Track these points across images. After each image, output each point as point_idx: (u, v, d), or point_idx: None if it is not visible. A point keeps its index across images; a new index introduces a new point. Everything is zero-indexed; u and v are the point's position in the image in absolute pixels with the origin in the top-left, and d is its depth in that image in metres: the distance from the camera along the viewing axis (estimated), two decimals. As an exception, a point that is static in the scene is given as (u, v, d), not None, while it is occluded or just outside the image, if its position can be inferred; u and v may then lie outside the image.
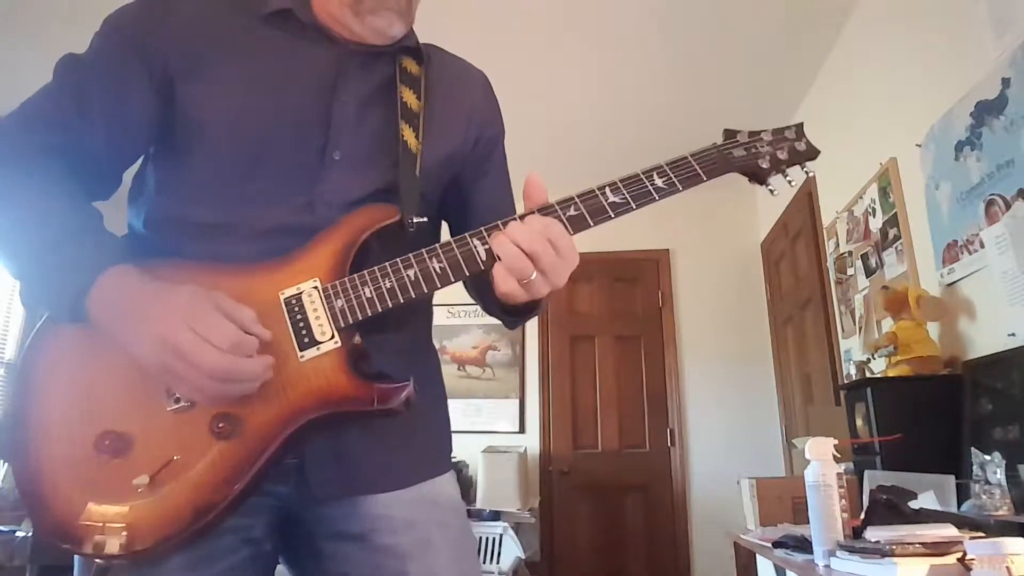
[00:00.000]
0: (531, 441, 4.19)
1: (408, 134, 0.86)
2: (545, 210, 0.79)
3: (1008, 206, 1.76)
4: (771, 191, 0.90)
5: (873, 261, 2.61)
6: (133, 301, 0.70)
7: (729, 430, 4.04)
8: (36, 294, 0.74)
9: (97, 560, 0.70)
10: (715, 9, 2.77)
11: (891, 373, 2.12)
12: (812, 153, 0.90)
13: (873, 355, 2.36)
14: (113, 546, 0.67)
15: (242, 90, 0.82)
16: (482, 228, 0.79)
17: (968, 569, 1.05)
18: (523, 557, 3.43)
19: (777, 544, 1.63)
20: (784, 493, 2.23)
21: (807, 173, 0.91)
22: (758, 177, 0.88)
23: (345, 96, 0.86)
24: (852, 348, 2.86)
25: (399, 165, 0.84)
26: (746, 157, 0.87)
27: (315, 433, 0.75)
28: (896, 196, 2.39)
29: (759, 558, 2.30)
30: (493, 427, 4.21)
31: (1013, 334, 1.72)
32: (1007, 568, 0.92)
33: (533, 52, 3.08)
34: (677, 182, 0.82)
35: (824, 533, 1.28)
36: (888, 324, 2.27)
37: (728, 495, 3.07)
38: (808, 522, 1.35)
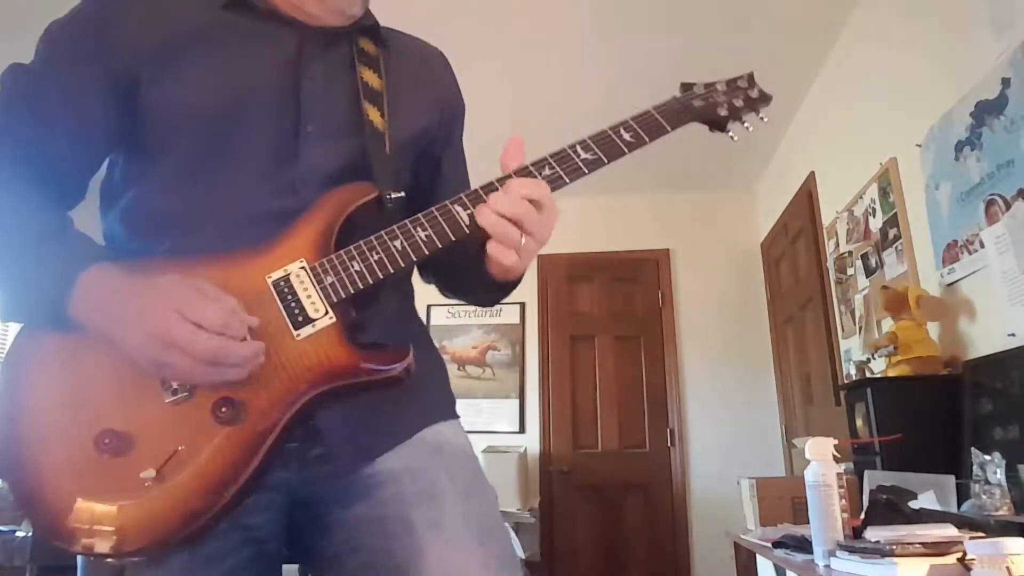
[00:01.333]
0: (531, 441, 4.20)
1: (373, 113, 0.87)
2: (521, 171, 0.81)
3: (1008, 206, 1.76)
4: (732, 137, 0.94)
5: (873, 261, 2.61)
6: (117, 298, 0.69)
7: (729, 430, 4.04)
8: (17, 302, 0.73)
9: (110, 560, 0.69)
10: (715, 10, 2.77)
11: (891, 373, 2.12)
12: (765, 99, 0.95)
13: (873, 355, 2.37)
14: (128, 543, 0.67)
15: (209, 77, 0.81)
16: (462, 195, 0.80)
17: (968, 569, 1.05)
18: (523, 557, 3.43)
19: (777, 544, 1.63)
20: (784, 493, 2.23)
21: (762, 119, 0.96)
22: (718, 124, 0.93)
23: (311, 73, 0.86)
24: (852, 348, 2.86)
25: (367, 144, 0.85)
26: (705, 107, 0.92)
27: (319, 409, 0.75)
28: (896, 196, 2.39)
29: (759, 558, 2.30)
30: (493, 427, 4.21)
31: (1013, 334, 1.72)
32: (1007, 568, 0.92)
33: (532, 50, 3.08)
34: (643, 134, 0.85)
35: (824, 533, 1.29)
36: (888, 324, 2.27)
37: (728, 495, 3.07)
38: (808, 522, 1.35)
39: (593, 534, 4.02)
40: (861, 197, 2.68)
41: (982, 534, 1.21)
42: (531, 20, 2.86)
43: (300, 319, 0.74)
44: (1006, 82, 1.77)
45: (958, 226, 2.00)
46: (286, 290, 0.75)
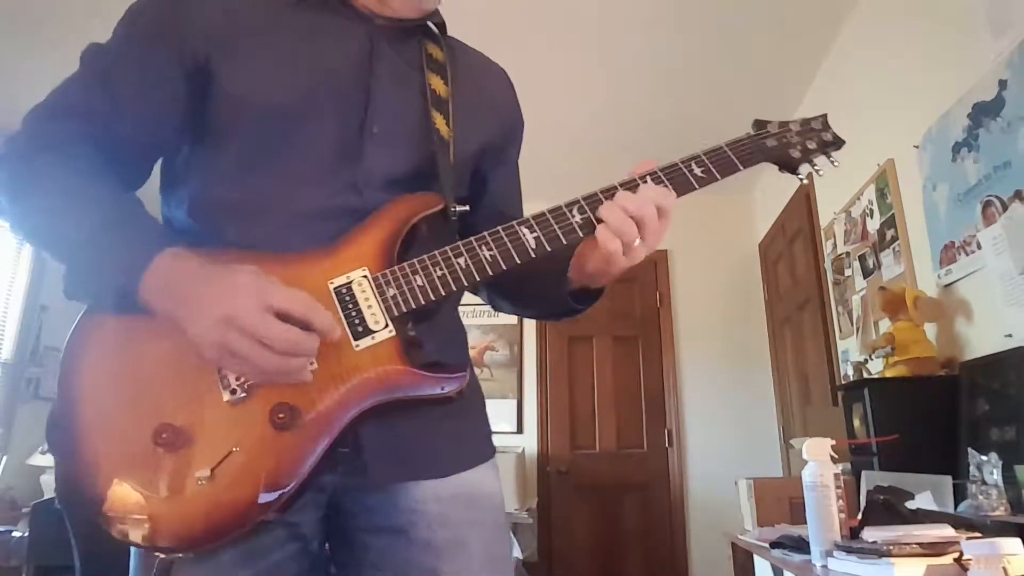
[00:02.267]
0: (529, 441, 4.20)
1: (439, 121, 0.86)
2: (625, 184, 0.81)
3: (1005, 207, 1.76)
4: (801, 179, 0.93)
5: (871, 262, 2.61)
6: (190, 281, 0.68)
7: (727, 431, 4.04)
8: (86, 281, 0.72)
9: (160, 555, 0.69)
10: (713, 10, 2.77)
11: (888, 374, 2.12)
12: (838, 143, 0.93)
13: (871, 356, 2.37)
14: (179, 539, 0.67)
15: (279, 68, 0.81)
16: (529, 217, 0.79)
17: (965, 569, 1.05)
18: (521, 557, 3.43)
19: (774, 544, 1.63)
20: (781, 493, 2.23)
21: (833, 163, 0.94)
22: (790, 166, 0.91)
23: (380, 72, 0.85)
24: (849, 349, 2.86)
25: (435, 152, 0.84)
26: (778, 147, 0.90)
27: (371, 421, 0.75)
28: (894, 197, 2.40)
29: (756, 558, 2.30)
30: (491, 427, 4.20)
31: (1010, 335, 1.72)
32: (1003, 568, 0.93)
33: (535, 52, 3.08)
34: (715, 171, 0.84)
35: (821, 533, 1.29)
36: (885, 325, 2.28)
37: (726, 495, 3.08)
38: (805, 522, 1.35)
39: (591, 534, 4.03)
40: (859, 198, 2.69)
41: (979, 534, 1.22)
42: (531, 23, 2.86)
43: (360, 330, 0.74)
44: (1003, 84, 1.77)
45: (955, 227, 2.01)
46: (348, 298, 0.74)
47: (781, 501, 2.21)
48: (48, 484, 3.44)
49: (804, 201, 3.36)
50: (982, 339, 1.89)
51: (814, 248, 3.27)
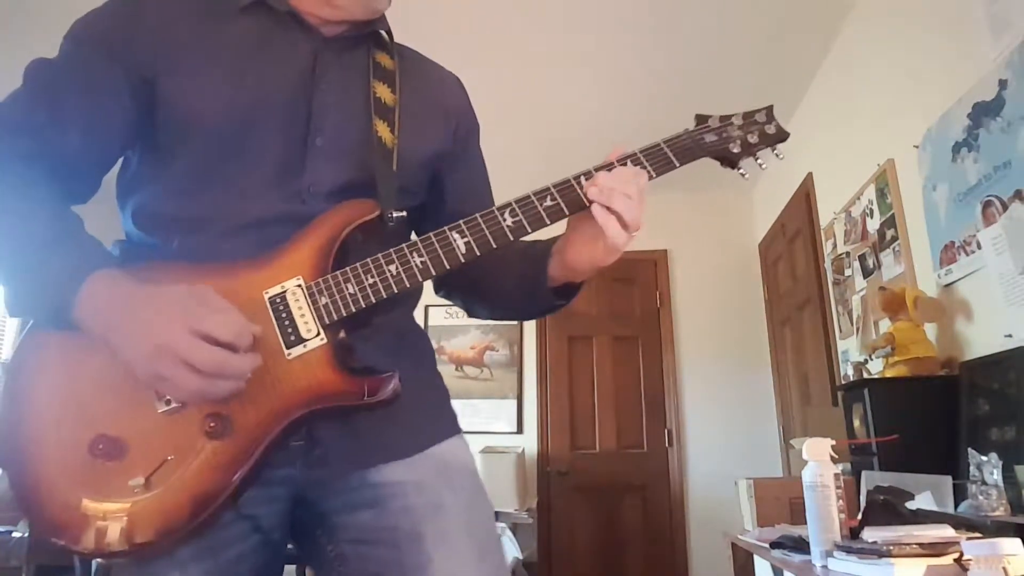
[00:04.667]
0: (529, 441, 4.20)
1: (382, 129, 0.87)
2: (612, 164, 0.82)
3: (1005, 207, 1.76)
4: (742, 175, 0.91)
5: (871, 262, 2.61)
6: (121, 306, 0.70)
7: (727, 431, 4.04)
8: (22, 300, 0.73)
9: (98, 560, 0.71)
10: (713, 10, 2.77)
11: (888, 374, 2.12)
12: (782, 135, 0.91)
13: (870, 356, 2.37)
14: (114, 542, 0.68)
15: (224, 81, 0.82)
16: (461, 222, 0.80)
17: (965, 569, 1.05)
18: (521, 558, 3.43)
19: (774, 544, 1.63)
20: (781, 494, 2.23)
21: (778, 156, 0.91)
22: (729, 161, 0.89)
23: (325, 84, 0.86)
24: (849, 349, 2.86)
25: (374, 160, 0.85)
26: (717, 142, 0.88)
27: (308, 426, 0.76)
28: (894, 197, 2.40)
29: (756, 558, 2.30)
30: (491, 428, 4.21)
31: (1010, 335, 1.72)
32: (1003, 568, 0.92)
33: (529, 53, 3.08)
34: (651, 170, 0.84)
35: (821, 534, 1.29)
36: (885, 325, 2.28)
37: (726, 496, 3.08)
38: (805, 523, 1.35)
39: (591, 534, 4.03)
40: (859, 198, 2.69)
41: (979, 534, 1.22)
42: (532, 26, 2.86)
43: (293, 338, 0.75)
44: (1003, 84, 1.77)
45: (955, 227, 2.01)
46: (281, 308, 0.76)
47: (781, 501, 2.21)
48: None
49: (804, 201, 3.36)
50: (982, 339, 1.89)
51: (814, 248, 3.27)
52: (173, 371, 0.66)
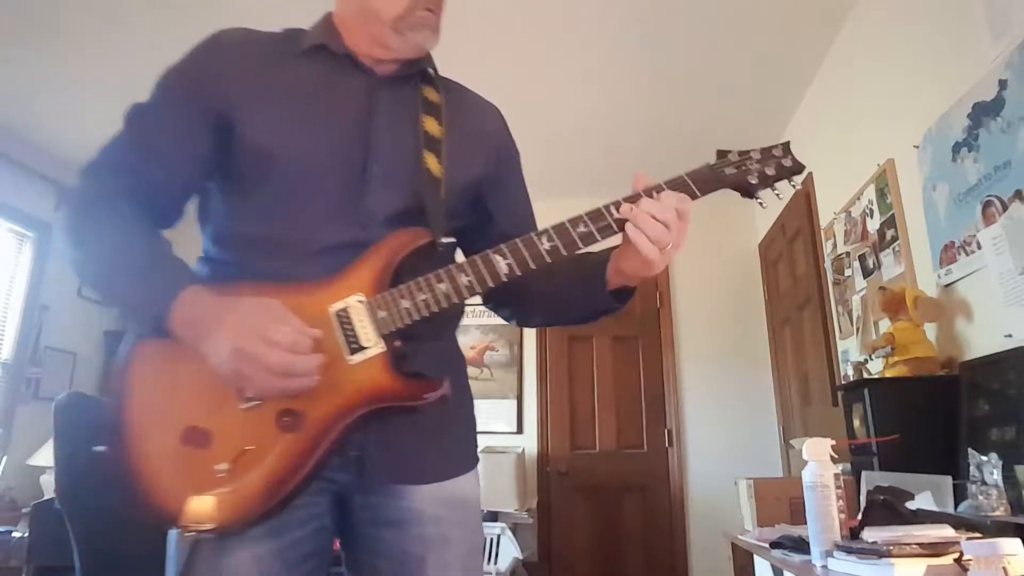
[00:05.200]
0: (529, 442, 4.20)
1: (431, 160, 0.98)
2: (648, 190, 0.92)
3: (1005, 207, 1.76)
4: (760, 204, 0.99)
5: (871, 262, 2.61)
6: (206, 317, 0.82)
7: (727, 431, 4.04)
8: (129, 317, 0.89)
9: (189, 534, 0.83)
10: (712, 11, 2.77)
11: (888, 374, 2.12)
12: (798, 168, 0.99)
13: (871, 356, 2.37)
14: (206, 522, 0.81)
15: (292, 121, 0.95)
16: (502, 245, 0.90)
17: (965, 570, 1.05)
18: (521, 558, 3.43)
19: (774, 544, 1.63)
20: (781, 494, 2.23)
21: (794, 186, 1.00)
22: (748, 192, 0.98)
23: (379, 120, 0.98)
24: (849, 349, 2.86)
25: (424, 190, 0.96)
26: (736, 175, 0.97)
27: (367, 426, 0.88)
28: (894, 197, 2.40)
29: (756, 559, 2.30)
30: (491, 428, 4.21)
31: (1010, 335, 1.72)
32: (1003, 569, 0.92)
33: (528, 59, 3.08)
34: None
35: (821, 534, 1.29)
36: (885, 325, 2.28)
37: (726, 496, 3.08)
38: (805, 523, 1.35)
39: (591, 534, 4.03)
40: (859, 198, 2.69)
41: (979, 535, 1.22)
42: (532, 27, 2.86)
43: (355, 346, 0.87)
44: (1003, 84, 1.77)
45: (955, 227, 2.01)
46: (345, 320, 0.87)
47: (781, 501, 2.21)
48: (48, 484, 3.45)
49: (804, 201, 3.36)
50: (982, 339, 1.89)
51: (814, 248, 3.27)
52: (251, 370, 0.79)
